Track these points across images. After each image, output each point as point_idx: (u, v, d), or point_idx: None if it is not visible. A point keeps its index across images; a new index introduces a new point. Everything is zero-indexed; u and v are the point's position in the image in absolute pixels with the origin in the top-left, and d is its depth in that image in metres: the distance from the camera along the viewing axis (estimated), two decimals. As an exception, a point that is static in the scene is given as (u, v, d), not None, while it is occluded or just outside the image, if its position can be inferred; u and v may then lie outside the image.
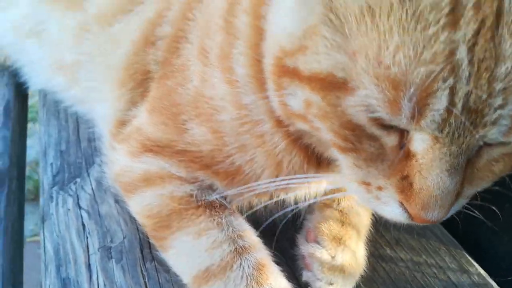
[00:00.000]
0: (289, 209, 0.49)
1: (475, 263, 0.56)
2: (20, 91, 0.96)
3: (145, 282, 0.52)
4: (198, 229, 0.50)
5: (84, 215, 0.61)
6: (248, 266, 0.47)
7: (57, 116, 0.83)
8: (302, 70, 0.37)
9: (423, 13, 0.31)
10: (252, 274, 0.46)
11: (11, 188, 0.72)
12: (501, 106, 0.32)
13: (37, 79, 0.84)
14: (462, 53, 0.30)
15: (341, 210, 0.56)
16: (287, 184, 0.48)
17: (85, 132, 0.77)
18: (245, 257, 0.47)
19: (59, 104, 0.83)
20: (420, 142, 0.35)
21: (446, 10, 0.30)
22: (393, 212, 0.40)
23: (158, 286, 0.52)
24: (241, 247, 0.48)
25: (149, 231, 0.55)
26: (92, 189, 0.65)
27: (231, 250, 0.48)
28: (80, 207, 0.62)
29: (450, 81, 0.31)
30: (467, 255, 0.57)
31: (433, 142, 0.34)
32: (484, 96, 0.31)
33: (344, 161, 0.40)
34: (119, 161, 0.59)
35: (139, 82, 0.62)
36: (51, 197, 0.65)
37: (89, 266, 0.54)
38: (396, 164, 0.38)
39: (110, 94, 0.66)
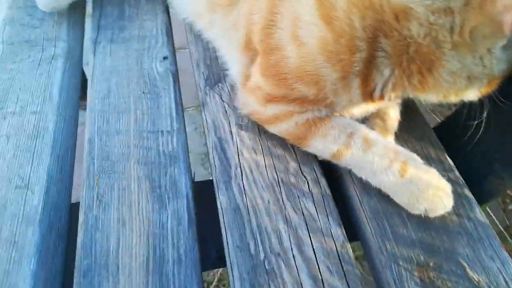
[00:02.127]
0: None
1: (449, 159, 0.95)
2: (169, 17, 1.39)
3: (261, 145, 0.97)
4: (322, 134, 0.85)
5: (225, 105, 1.05)
6: (358, 141, 0.83)
7: (201, 40, 1.25)
8: None
9: None
10: (363, 144, 0.83)
11: (178, 83, 1.17)
12: None
13: (183, 15, 1.25)
14: None
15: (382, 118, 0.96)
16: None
17: (220, 53, 1.20)
18: (354, 138, 0.83)
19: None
20: None
21: None
22: None
23: (269, 149, 0.96)
24: (350, 133, 0.84)
25: (290, 141, 0.90)
26: (228, 91, 1.08)
27: (346, 137, 0.84)
28: (223, 100, 1.06)
29: None
30: (446, 154, 0.96)
31: None
32: None
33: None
34: (251, 106, 0.92)
35: (256, 53, 0.91)
36: (206, 93, 1.08)
37: (230, 132, 0.98)
38: None
39: (236, 55, 0.98)
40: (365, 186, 0.88)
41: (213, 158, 0.94)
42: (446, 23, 0.72)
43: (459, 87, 0.77)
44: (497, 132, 0.90)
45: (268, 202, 0.85)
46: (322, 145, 0.89)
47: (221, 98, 1.08)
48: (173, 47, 1.28)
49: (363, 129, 0.88)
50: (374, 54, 0.79)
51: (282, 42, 0.82)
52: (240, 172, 0.91)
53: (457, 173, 0.93)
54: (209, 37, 1.18)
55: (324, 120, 0.89)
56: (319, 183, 0.90)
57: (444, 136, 0.98)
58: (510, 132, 0.93)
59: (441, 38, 0.73)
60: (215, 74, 1.14)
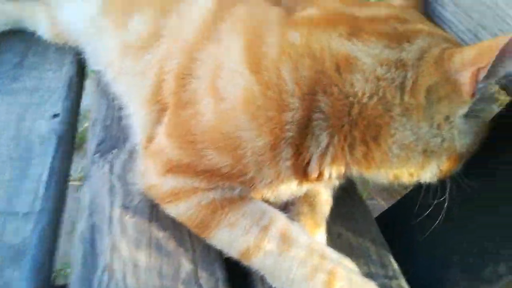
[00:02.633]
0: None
1: (394, 262, 0.71)
2: (81, 69, 1.17)
3: (150, 236, 0.72)
4: (230, 222, 0.65)
5: (114, 179, 0.81)
6: (274, 236, 0.63)
7: (107, 96, 1.03)
8: None
9: None
10: (280, 242, 0.62)
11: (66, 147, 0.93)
12: None
13: (94, 65, 1.04)
14: None
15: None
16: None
17: (126, 112, 0.97)
18: (270, 232, 0.63)
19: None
20: None
21: None
22: None
23: (159, 242, 0.71)
24: (265, 226, 0.64)
25: (190, 228, 0.69)
26: (124, 159, 0.85)
27: (259, 231, 0.63)
28: (112, 173, 0.82)
29: None
30: (390, 256, 0.72)
31: None
32: None
33: None
34: (148, 177, 0.71)
35: (163, 107, 0.74)
36: (93, 161, 0.85)
37: (110, 217, 0.73)
38: None
39: (141, 109, 0.80)
40: (282, 302, 0.63)
41: (76, 253, 0.68)
42: (396, 79, 0.57)
43: (413, 164, 0.60)
44: (457, 227, 0.69)
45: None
46: (228, 238, 0.66)
47: (111, 169, 0.83)
48: (73, 104, 1.05)
49: (283, 220, 0.66)
50: (310, 115, 0.60)
51: (197, 95, 0.66)
52: (107, 279, 0.64)
53: (403, 282, 0.69)
54: (116, 90, 0.95)
55: (235, 203, 0.67)
56: (219, 296, 0.64)
57: (389, 229, 0.75)
58: (473, 227, 0.71)
59: (389, 98, 0.57)
60: (113, 138, 0.91)
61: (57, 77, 1.08)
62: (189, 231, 0.71)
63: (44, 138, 0.89)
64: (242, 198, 0.67)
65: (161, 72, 0.75)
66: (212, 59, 0.67)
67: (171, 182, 0.69)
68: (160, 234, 0.72)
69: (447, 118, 0.58)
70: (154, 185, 0.72)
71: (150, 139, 0.76)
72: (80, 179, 1.59)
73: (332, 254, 0.62)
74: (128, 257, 0.68)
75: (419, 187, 0.65)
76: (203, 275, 0.67)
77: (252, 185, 0.67)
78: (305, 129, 0.61)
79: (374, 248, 0.72)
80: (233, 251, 0.66)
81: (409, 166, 0.60)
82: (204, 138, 0.64)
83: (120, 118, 0.95)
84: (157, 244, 0.70)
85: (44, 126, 0.93)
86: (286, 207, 0.72)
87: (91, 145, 0.89)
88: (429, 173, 0.61)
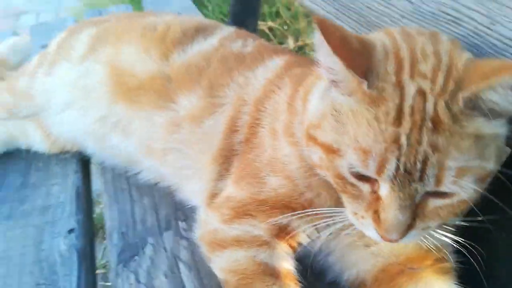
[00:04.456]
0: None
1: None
2: (87, 174, 1.20)
3: None
4: None
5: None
6: None
7: (117, 200, 1.06)
8: (318, 139, 0.63)
9: (380, 116, 0.55)
10: None
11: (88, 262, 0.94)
12: (422, 170, 0.54)
13: (118, 161, 1.08)
14: (403, 139, 0.54)
15: None
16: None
17: (139, 214, 1.00)
18: None
19: (118, 189, 1.07)
20: (383, 189, 0.57)
21: (394, 115, 0.55)
22: (372, 233, 0.62)
23: None
24: None
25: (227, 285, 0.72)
26: (147, 266, 0.86)
27: None
28: (139, 282, 0.83)
29: (396, 153, 0.54)
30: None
31: (390, 189, 0.56)
32: (413, 164, 0.54)
33: (343, 197, 0.65)
34: (213, 224, 0.78)
35: (227, 158, 0.85)
36: (118, 273, 0.85)
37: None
38: (371, 203, 0.60)
39: (204, 170, 0.88)
40: None
41: None
42: None
43: None
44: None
45: None
46: None
47: (137, 278, 0.85)
48: (86, 213, 1.07)
49: None
50: None
51: (263, 139, 0.80)
52: None
53: None
54: (164, 172, 0.99)
55: (280, 276, 0.70)
56: None
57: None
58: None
59: None
60: (131, 245, 0.92)
61: (63, 191, 1.10)
62: None
63: (65, 257, 0.91)
64: (288, 275, 0.71)
65: (231, 126, 0.86)
66: (272, 107, 0.83)
67: (236, 231, 0.75)
68: None
69: None
70: (218, 231, 0.77)
71: (213, 196, 0.84)
72: (104, 266, 1.59)
73: None
74: None
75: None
76: None
77: (312, 208, 0.70)
78: None
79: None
80: None
81: None
82: (264, 168, 0.76)
83: (134, 222, 0.98)
84: None
85: (63, 244, 0.94)
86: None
87: (112, 256, 0.91)
88: None
